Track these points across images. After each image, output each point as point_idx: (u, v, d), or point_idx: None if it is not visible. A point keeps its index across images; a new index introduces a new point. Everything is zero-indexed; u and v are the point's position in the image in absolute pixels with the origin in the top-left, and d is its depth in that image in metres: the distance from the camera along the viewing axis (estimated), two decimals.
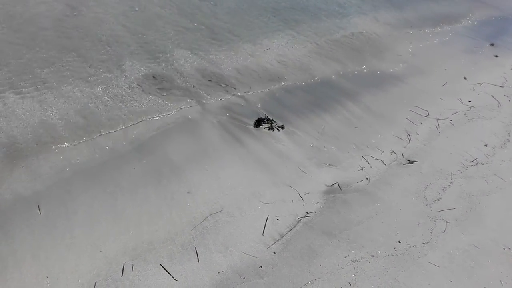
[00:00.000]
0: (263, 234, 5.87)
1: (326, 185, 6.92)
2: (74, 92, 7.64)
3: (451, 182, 7.44)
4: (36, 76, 7.77)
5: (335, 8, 13.68)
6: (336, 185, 6.95)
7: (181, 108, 7.91)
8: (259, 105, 8.46)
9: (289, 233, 5.97)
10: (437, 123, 8.99)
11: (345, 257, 5.76)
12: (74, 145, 6.61)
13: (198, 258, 5.37)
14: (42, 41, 8.69)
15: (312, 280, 5.37)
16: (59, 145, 6.55)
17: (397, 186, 7.16)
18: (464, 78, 11.12)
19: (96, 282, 4.87)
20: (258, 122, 7.92)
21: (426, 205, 6.87)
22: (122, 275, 5.00)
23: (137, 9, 10.77)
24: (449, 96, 10.12)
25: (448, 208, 6.87)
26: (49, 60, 8.24)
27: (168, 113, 7.70)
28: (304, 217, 6.27)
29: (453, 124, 9.08)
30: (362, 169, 7.39)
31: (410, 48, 12.21)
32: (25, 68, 7.90)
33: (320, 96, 9.15)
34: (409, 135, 8.46)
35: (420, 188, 7.19)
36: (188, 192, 6.23)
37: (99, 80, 8.07)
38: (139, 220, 5.67)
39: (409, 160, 7.76)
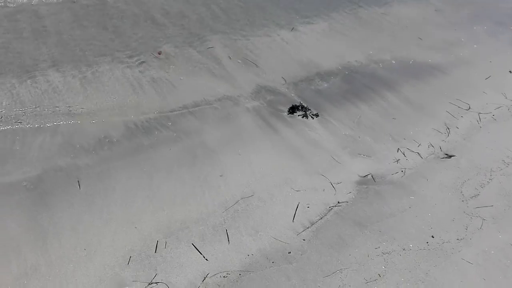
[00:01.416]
0: (293, 221, 5.89)
1: (359, 176, 6.82)
2: (112, 73, 7.82)
3: (490, 179, 7.17)
4: (77, 55, 7.99)
5: None
6: (369, 176, 6.84)
7: (215, 93, 7.96)
8: (293, 92, 8.39)
9: (319, 221, 5.96)
10: (479, 117, 8.64)
11: (375, 248, 5.70)
12: (112, 124, 6.80)
13: (228, 240, 5.46)
14: (83, 20, 8.91)
15: (341, 269, 5.36)
16: (98, 124, 6.75)
17: (433, 180, 6.97)
18: (510, 71, 10.58)
19: (130, 257, 5.05)
20: (292, 109, 7.86)
21: (463, 201, 6.67)
22: (155, 252, 5.16)
23: None
24: (492, 90, 9.68)
25: (485, 205, 6.64)
26: (89, 39, 8.45)
27: (203, 97, 7.77)
28: (336, 206, 6.23)
29: (495, 119, 8.70)
30: (397, 161, 7.23)
31: (453, 38, 11.71)
32: (66, 46, 8.14)
33: (356, 85, 8.97)
34: (449, 129, 8.18)
35: (457, 184, 6.97)
36: (220, 175, 6.31)
37: (136, 62, 8.21)
38: (173, 199, 5.80)
39: (447, 154, 7.52)
